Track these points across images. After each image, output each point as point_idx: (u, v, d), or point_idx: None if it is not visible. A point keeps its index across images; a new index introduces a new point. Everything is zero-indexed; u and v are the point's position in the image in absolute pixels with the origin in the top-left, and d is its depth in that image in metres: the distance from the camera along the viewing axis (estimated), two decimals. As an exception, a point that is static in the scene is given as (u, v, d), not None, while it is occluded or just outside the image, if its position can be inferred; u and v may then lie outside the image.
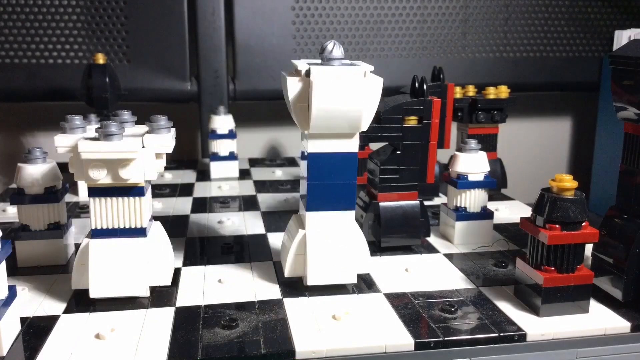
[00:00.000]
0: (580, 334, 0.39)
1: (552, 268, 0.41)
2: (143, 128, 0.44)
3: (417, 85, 0.52)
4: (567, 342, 0.39)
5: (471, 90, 0.71)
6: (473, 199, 0.55)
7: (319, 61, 0.43)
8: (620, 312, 0.41)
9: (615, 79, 0.42)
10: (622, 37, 0.86)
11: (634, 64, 0.40)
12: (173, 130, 0.43)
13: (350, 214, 0.45)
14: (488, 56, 0.97)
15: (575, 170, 1.14)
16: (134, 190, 0.41)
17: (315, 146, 0.43)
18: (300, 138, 0.46)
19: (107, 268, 0.42)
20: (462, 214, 0.54)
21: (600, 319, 0.40)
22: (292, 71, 0.43)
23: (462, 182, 0.54)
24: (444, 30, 0.95)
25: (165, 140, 0.42)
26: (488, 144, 0.70)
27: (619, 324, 0.40)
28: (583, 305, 0.41)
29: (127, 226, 0.42)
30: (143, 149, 0.41)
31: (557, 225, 0.40)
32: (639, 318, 0.40)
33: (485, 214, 0.55)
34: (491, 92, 0.69)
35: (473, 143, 0.55)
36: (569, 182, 0.41)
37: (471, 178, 0.54)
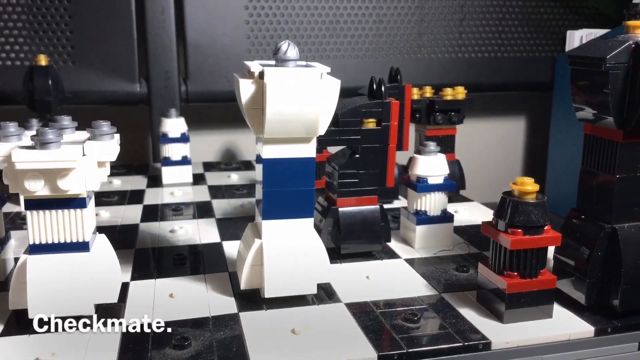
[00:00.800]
0: (545, 340, 0.38)
1: (515, 273, 0.40)
2: (84, 134, 0.41)
3: (374, 86, 0.50)
4: (531, 349, 0.38)
5: (428, 92, 0.70)
6: (433, 202, 0.54)
7: (273, 62, 0.41)
8: (583, 316, 0.41)
9: (575, 79, 0.41)
10: (574, 37, 0.87)
11: (592, 64, 0.39)
12: (117, 136, 0.41)
13: (309, 222, 0.43)
14: (444, 57, 0.97)
15: (530, 168, 1.15)
16: (75, 202, 0.38)
17: (270, 151, 0.41)
18: (255, 141, 0.44)
19: (47, 286, 0.39)
20: (422, 218, 0.53)
21: (564, 324, 0.40)
22: (244, 73, 0.41)
23: (422, 185, 0.53)
24: (399, 30, 0.94)
25: (108, 147, 0.39)
26: (446, 145, 0.69)
27: (583, 329, 0.39)
28: (547, 310, 0.40)
29: (68, 240, 0.39)
30: (84, 157, 0.38)
31: (519, 230, 0.39)
32: (602, 322, 0.40)
33: (446, 217, 0.54)
34: (448, 93, 0.68)
35: (432, 145, 0.54)
36: (530, 186, 0.40)
37: (431, 181, 0.53)
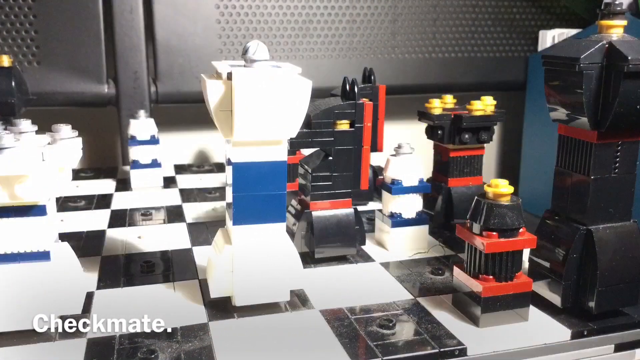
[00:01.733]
0: (521, 345, 0.38)
1: (491, 277, 0.39)
2: (44, 139, 0.39)
3: (348, 87, 0.49)
4: (508, 354, 0.38)
5: (449, 102, 0.59)
6: (408, 205, 0.53)
7: (242, 63, 0.39)
8: (559, 319, 0.40)
9: (548, 80, 0.41)
10: (547, 37, 0.87)
11: (566, 64, 0.38)
12: (78, 140, 0.39)
13: (281, 226, 0.42)
14: (417, 57, 0.96)
15: (504, 168, 1.16)
16: (34, 210, 0.37)
17: (240, 155, 0.39)
18: (225, 144, 0.42)
19: (7, 298, 0.37)
20: (397, 220, 0.53)
21: (540, 327, 0.39)
22: (212, 74, 0.40)
23: (396, 188, 0.52)
24: (373, 30, 0.93)
25: (69, 152, 0.37)
26: (472, 167, 0.58)
27: (559, 332, 0.39)
28: (523, 314, 0.40)
29: (28, 250, 0.37)
30: (43, 162, 0.36)
31: (494, 233, 0.39)
32: (578, 325, 0.40)
33: (421, 219, 0.53)
34: (477, 108, 0.57)
35: (407, 147, 0.53)
36: (504, 188, 0.39)
37: (405, 183, 0.52)
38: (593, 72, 0.38)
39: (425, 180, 0.53)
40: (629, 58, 0.36)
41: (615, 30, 0.39)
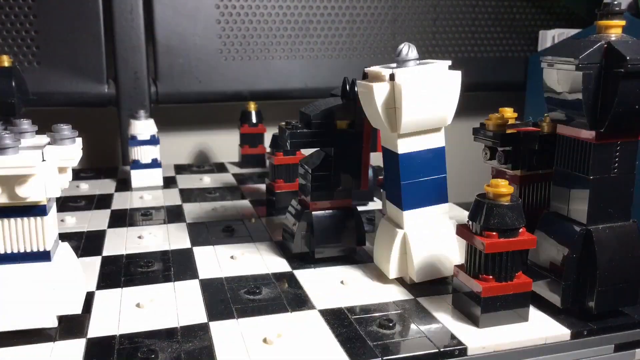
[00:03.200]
0: (521, 345, 0.38)
1: (491, 277, 0.39)
2: (44, 139, 0.39)
3: (348, 87, 0.49)
4: (508, 353, 0.38)
5: (510, 115, 0.51)
6: None
7: (394, 65, 0.44)
8: (559, 319, 0.40)
9: (547, 80, 0.41)
10: (547, 37, 0.87)
11: (565, 64, 0.38)
12: (79, 140, 0.39)
13: (444, 207, 0.45)
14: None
15: (504, 168, 1.16)
16: (35, 210, 0.37)
17: (405, 146, 0.43)
18: (382, 140, 0.46)
19: (7, 297, 0.37)
20: None
21: (540, 327, 0.39)
22: (368, 79, 0.44)
23: None
24: (373, 30, 0.93)
25: (70, 151, 0.37)
26: (541, 196, 0.48)
27: (559, 332, 0.39)
28: (522, 314, 0.40)
29: (29, 250, 0.37)
30: (43, 162, 0.36)
31: (494, 233, 0.39)
32: (578, 325, 0.40)
33: None
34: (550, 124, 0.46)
35: None
36: (504, 188, 0.39)
37: None
38: (592, 72, 0.38)
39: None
40: (628, 58, 0.36)
41: (614, 30, 0.39)
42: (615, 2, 0.39)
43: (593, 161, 0.40)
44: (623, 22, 0.39)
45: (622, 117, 0.38)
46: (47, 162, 0.36)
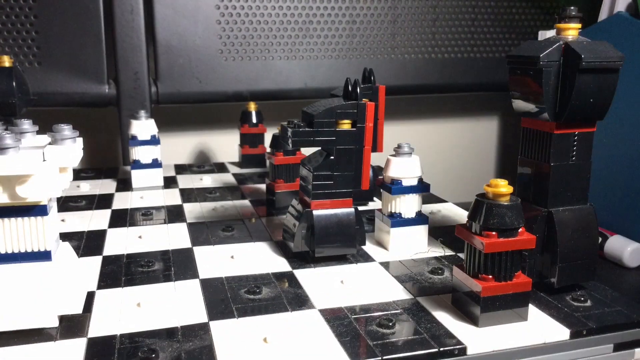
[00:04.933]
0: (520, 344, 0.38)
1: (490, 276, 0.39)
2: (45, 139, 0.39)
3: (350, 88, 0.49)
4: (507, 353, 0.38)
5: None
6: (408, 204, 0.53)
7: None
8: (558, 318, 0.40)
9: (512, 76, 0.45)
10: (546, 37, 0.87)
11: (528, 62, 0.43)
12: (79, 140, 0.39)
13: None
14: (417, 57, 0.96)
15: (504, 167, 1.16)
16: (35, 210, 0.37)
17: None
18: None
19: (8, 297, 0.37)
20: (397, 220, 0.53)
21: (539, 327, 0.39)
22: None
23: (396, 188, 0.52)
24: (373, 31, 0.93)
25: (70, 152, 0.37)
26: None
27: (558, 332, 0.39)
28: (522, 313, 0.40)
29: (29, 249, 0.38)
30: (44, 162, 0.36)
31: (494, 232, 0.39)
32: (577, 324, 0.40)
33: (421, 219, 0.54)
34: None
35: (406, 147, 0.53)
36: (504, 188, 0.39)
37: (405, 183, 0.52)
38: (551, 69, 0.42)
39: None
40: (583, 56, 0.40)
41: (571, 32, 0.43)
42: (572, 8, 0.44)
43: (554, 150, 0.44)
44: (579, 26, 0.44)
45: (579, 110, 0.42)
46: (47, 162, 0.37)
